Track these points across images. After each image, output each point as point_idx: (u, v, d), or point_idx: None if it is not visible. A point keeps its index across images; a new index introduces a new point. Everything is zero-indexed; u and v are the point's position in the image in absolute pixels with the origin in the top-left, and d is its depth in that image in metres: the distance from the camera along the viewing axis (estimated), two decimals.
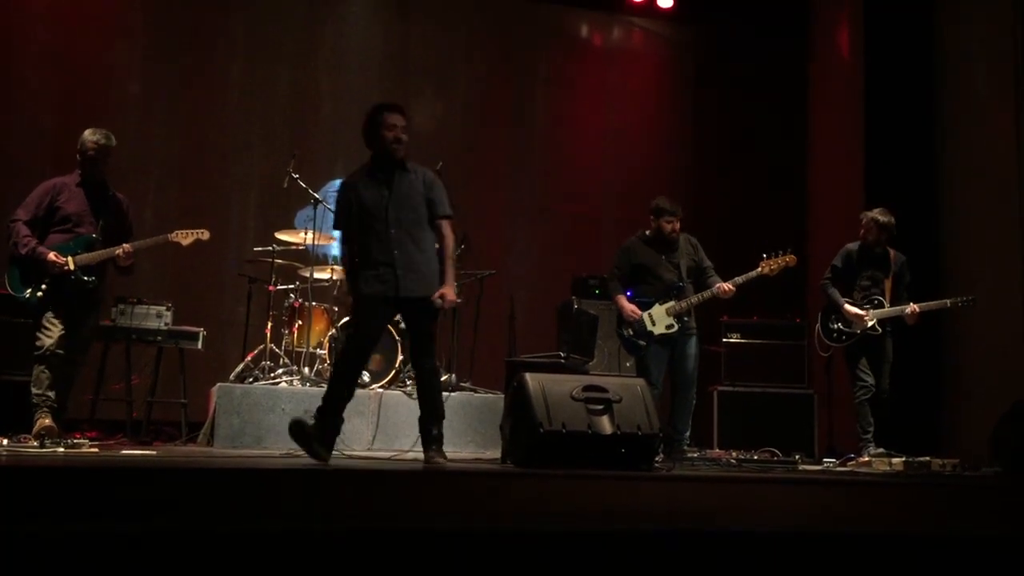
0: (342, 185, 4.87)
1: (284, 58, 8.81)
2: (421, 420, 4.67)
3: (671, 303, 5.76)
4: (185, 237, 5.50)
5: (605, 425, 4.31)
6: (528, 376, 4.38)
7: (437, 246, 4.73)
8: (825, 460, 5.87)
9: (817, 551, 3.24)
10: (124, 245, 5.29)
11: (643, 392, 4.52)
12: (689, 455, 5.57)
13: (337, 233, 5.14)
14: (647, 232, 6.01)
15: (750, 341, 7.41)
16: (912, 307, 5.96)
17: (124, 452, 4.97)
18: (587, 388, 4.40)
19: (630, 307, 5.81)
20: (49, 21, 8.18)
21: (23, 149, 7.96)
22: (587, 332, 6.75)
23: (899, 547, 3.28)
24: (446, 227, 4.73)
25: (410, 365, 6.65)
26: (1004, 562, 3.30)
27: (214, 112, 8.55)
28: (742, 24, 9.30)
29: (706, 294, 5.77)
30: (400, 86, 9.08)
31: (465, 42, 9.34)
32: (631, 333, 5.81)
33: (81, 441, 5.09)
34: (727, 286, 5.70)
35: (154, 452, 5.20)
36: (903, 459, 5.18)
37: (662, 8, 9.57)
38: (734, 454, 5.82)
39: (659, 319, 5.77)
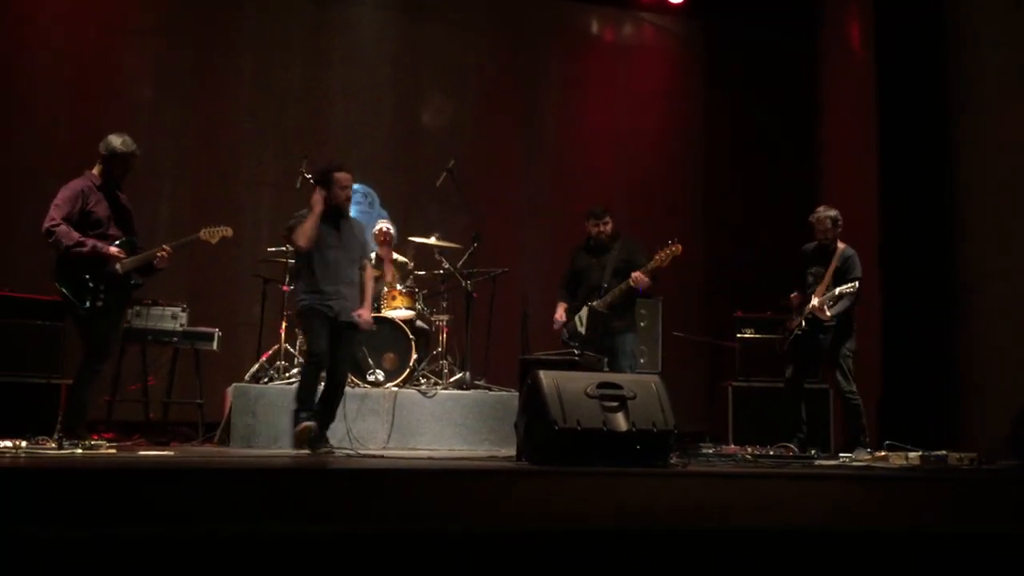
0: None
1: (295, 60, 8.84)
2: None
3: (595, 303, 6.01)
4: (212, 235, 5.53)
5: (620, 422, 4.30)
6: (542, 374, 4.38)
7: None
8: (841, 455, 5.85)
9: (834, 547, 3.23)
10: (164, 247, 5.29)
11: (658, 389, 4.51)
12: (704, 451, 5.56)
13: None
14: (588, 240, 6.30)
15: (764, 336, 7.38)
16: (812, 302, 5.93)
17: (142, 453, 5.00)
18: (601, 385, 4.40)
19: (558, 314, 6.21)
20: (59, 23, 8.22)
21: (34, 152, 8.01)
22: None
23: (916, 542, 3.27)
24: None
25: (423, 363, 6.71)
26: (1021, 557, 3.28)
27: (226, 113, 8.58)
28: (752, 18, 9.27)
29: (622, 286, 5.96)
30: (411, 86, 9.11)
31: (475, 41, 9.34)
32: (566, 336, 6.11)
33: (99, 442, 5.12)
34: (639, 275, 5.91)
35: (171, 452, 5.23)
36: (920, 453, 5.14)
37: (672, 3, 9.55)
38: (749, 450, 5.80)
39: (586, 320, 6.05)
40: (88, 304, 5.02)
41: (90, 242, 5.06)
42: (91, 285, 5.03)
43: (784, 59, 9.25)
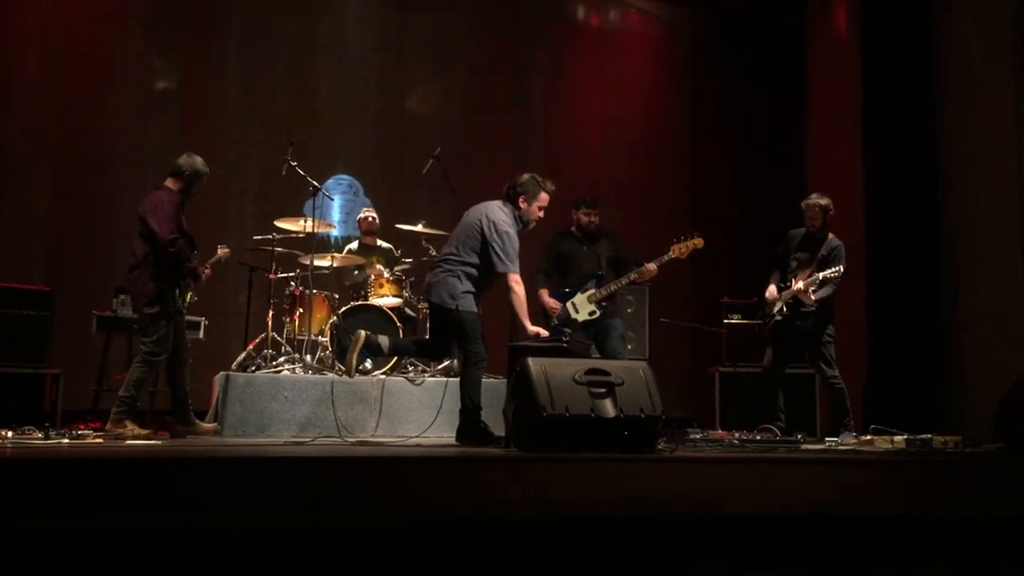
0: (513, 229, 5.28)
1: (282, 47, 8.80)
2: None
3: (592, 291, 6.05)
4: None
5: (608, 408, 4.32)
6: (531, 360, 4.39)
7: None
8: (827, 439, 5.89)
9: (822, 530, 3.25)
10: (221, 250, 6.11)
11: (645, 375, 4.52)
12: (692, 436, 5.59)
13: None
14: (572, 227, 6.31)
15: (751, 322, 7.42)
16: (797, 286, 5.96)
17: (129, 442, 4.98)
18: (590, 372, 4.41)
19: (551, 303, 6.11)
20: (47, 18, 8.16)
21: (23, 146, 7.96)
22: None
23: (903, 525, 3.30)
24: None
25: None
26: (1007, 539, 3.31)
27: (212, 102, 8.54)
28: (738, 4, 9.27)
29: (632, 275, 6.04)
30: (398, 74, 9.08)
31: (462, 28, 9.31)
32: (557, 323, 6.08)
33: (85, 432, 5.10)
34: (651, 266, 5.97)
35: (159, 441, 5.21)
36: (905, 437, 5.18)
37: None
38: (737, 435, 5.83)
39: (582, 306, 6.07)
40: (176, 311, 5.47)
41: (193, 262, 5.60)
42: (180, 294, 5.53)
43: (771, 44, 9.26)
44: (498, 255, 5.13)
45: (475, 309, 5.22)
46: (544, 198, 5.31)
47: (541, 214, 5.34)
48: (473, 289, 5.21)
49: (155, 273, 5.38)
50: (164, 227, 5.35)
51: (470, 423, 5.10)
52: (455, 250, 5.24)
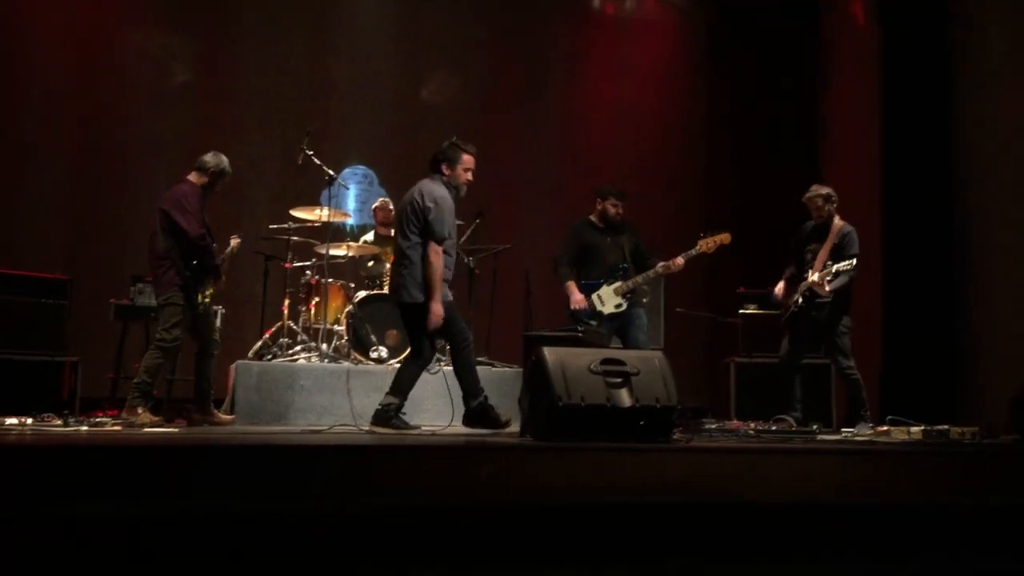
0: (445, 199, 5.09)
1: (297, 36, 8.81)
2: None
3: (618, 283, 6.03)
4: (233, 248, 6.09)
5: (624, 398, 4.31)
6: (546, 350, 4.39)
7: None
8: (843, 430, 5.86)
9: (837, 521, 3.25)
10: (234, 241, 6.02)
11: (661, 365, 4.51)
12: (707, 426, 5.58)
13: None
14: (591, 216, 6.25)
15: (766, 312, 7.39)
16: (812, 278, 5.91)
17: (146, 430, 5.02)
18: (605, 361, 4.40)
19: (578, 297, 6.06)
20: (66, 9, 8.21)
21: (40, 136, 8.00)
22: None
23: (920, 516, 3.29)
24: None
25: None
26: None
27: (228, 92, 8.56)
28: None
29: (659, 269, 6.00)
30: (413, 63, 9.07)
31: (477, 17, 9.28)
32: (583, 314, 6.06)
33: (103, 419, 5.15)
34: (679, 260, 5.96)
35: (176, 429, 5.25)
36: (922, 428, 5.15)
37: None
38: (752, 425, 5.82)
39: (607, 299, 6.05)
40: (197, 305, 5.50)
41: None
42: (204, 288, 5.57)
43: (787, 32, 9.19)
44: (430, 222, 5.00)
45: (447, 297, 5.09)
46: (466, 159, 5.18)
47: (469, 176, 5.20)
48: (446, 278, 5.11)
49: (179, 267, 5.41)
50: (192, 224, 5.38)
51: (480, 408, 5.09)
52: (401, 241, 5.11)
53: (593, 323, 5.94)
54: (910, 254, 7.57)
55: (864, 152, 8.10)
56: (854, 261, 5.84)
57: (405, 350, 6.41)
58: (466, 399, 5.14)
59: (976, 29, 7.46)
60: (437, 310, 4.98)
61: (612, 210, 6.16)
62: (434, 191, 5.10)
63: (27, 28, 8.06)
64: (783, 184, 8.45)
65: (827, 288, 5.87)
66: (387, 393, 5.11)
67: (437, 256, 4.99)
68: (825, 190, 6.11)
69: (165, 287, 5.41)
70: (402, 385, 5.11)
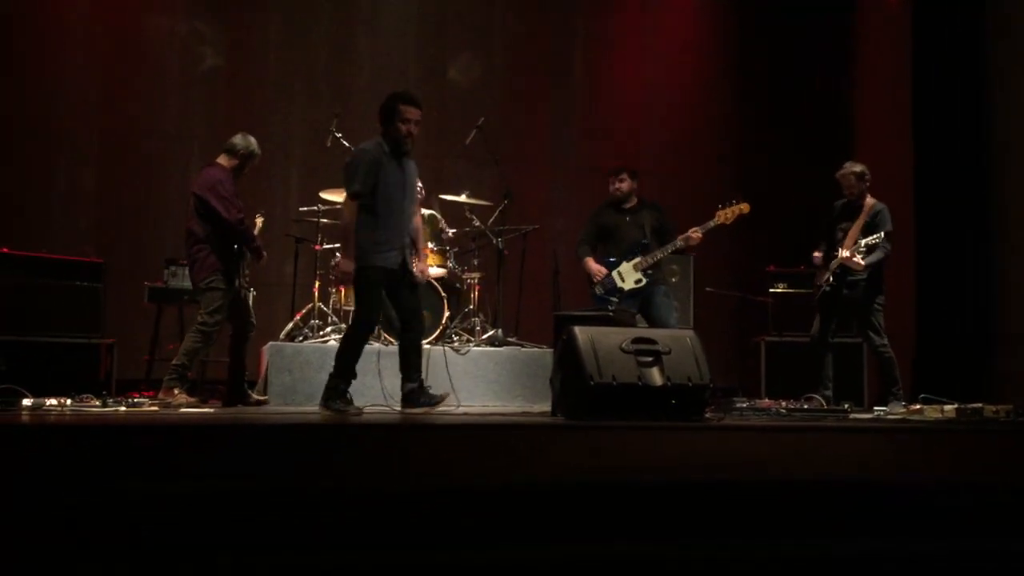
0: (363, 151, 5.02)
1: (323, 20, 8.80)
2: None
3: (637, 259, 6.03)
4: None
5: (655, 377, 4.32)
6: (577, 329, 4.40)
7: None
8: (876, 408, 5.83)
9: (870, 498, 3.24)
10: (259, 219, 6.09)
11: (692, 343, 4.51)
12: (738, 405, 5.57)
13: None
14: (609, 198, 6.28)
15: (797, 291, 7.35)
16: (843, 254, 5.86)
17: (183, 410, 5.09)
18: (636, 340, 4.41)
19: (596, 267, 6.12)
20: None
21: (71, 121, 8.07)
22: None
23: (954, 494, 3.27)
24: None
25: (456, 321, 6.75)
26: None
27: (255, 76, 8.58)
28: None
29: (677, 243, 5.99)
30: (438, 45, 9.04)
31: (502, 0, 9.24)
32: (602, 291, 6.08)
33: (141, 400, 5.22)
34: (696, 233, 5.94)
35: (211, 410, 5.32)
36: (955, 406, 5.11)
37: None
38: (783, 403, 5.80)
39: (627, 275, 6.06)
40: (238, 287, 5.61)
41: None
42: (244, 271, 5.70)
43: (817, 10, 9.07)
44: (344, 176, 5.01)
45: (374, 263, 4.92)
46: (402, 109, 4.94)
47: (411, 126, 4.96)
48: (374, 239, 4.92)
49: (219, 251, 5.47)
50: (231, 209, 5.45)
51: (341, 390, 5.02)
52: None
53: (615, 299, 5.95)
54: (944, 229, 7.48)
55: (897, 127, 8.00)
56: (882, 235, 5.81)
57: (435, 331, 6.45)
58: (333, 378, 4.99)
59: (1011, 8, 7.32)
60: (342, 264, 5.00)
61: (611, 187, 6.21)
62: (360, 145, 5.14)
63: (56, 16, 8.12)
64: (816, 161, 8.39)
65: (863, 263, 5.82)
66: (403, 377, 5.15)
67: (348, 209, 4.93)
68: (859, 167, 6.07)
69: (207, 271, 5.45)
70: (410, 360, 5.12)
